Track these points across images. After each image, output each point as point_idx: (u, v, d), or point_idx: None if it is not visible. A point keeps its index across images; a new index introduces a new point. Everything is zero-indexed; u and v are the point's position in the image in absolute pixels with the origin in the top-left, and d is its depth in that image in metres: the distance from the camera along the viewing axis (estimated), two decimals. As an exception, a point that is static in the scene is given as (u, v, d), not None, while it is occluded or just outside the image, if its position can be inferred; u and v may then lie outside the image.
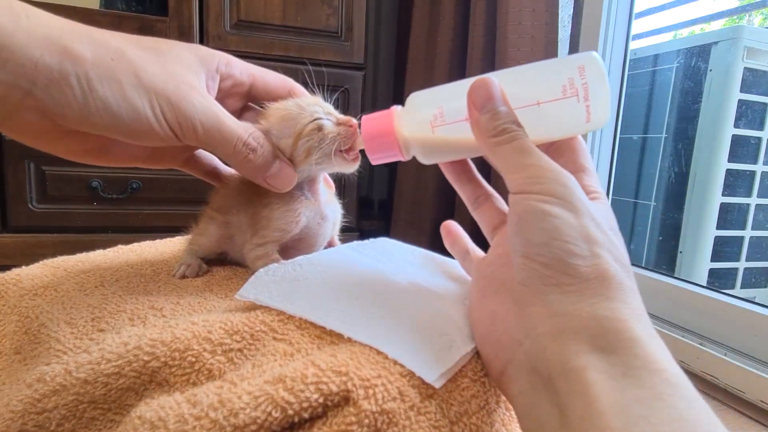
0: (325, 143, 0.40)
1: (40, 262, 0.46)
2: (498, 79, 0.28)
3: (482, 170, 0.37)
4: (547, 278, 0.24)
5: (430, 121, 0.31)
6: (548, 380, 0.23)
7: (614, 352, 0.22)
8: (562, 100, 0.28)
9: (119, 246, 0.55)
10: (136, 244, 0.57)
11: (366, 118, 0.34)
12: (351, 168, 0.42)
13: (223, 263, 0.52)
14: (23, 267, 0.44)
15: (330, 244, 0.51)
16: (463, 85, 0.29)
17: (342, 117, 0.42)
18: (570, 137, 0.31)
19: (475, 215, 0.35)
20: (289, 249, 0.46)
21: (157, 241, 0.59)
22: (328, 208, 0.46)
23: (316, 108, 0.42)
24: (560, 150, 0.31)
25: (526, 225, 0.25)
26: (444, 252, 0.42)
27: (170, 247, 0.57)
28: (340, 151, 0.40)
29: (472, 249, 0.36)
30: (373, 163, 0.34)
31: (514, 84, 0.29)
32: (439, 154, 0.33)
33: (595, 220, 0.25)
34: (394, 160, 0.33)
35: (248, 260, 0.45)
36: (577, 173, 0.29)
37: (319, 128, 0.40)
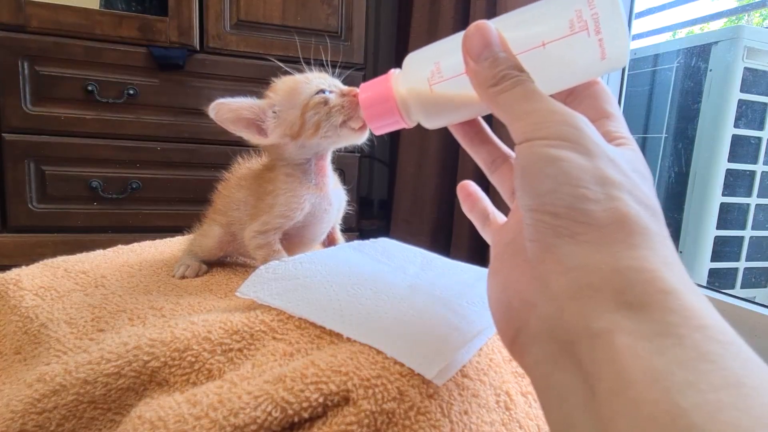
0: (332, 116, 0.40)
1: (40, 262, 0.46)
2: (495, 24, 0.26)
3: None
4: (557, 229, 0.21)
5: (427, 78, 0.28)
6: (568, 347, 0.20)
7: (644, 307, 0.18)
8: (570, 36, 0.25)
9: (119, 246, 0.55)
10: (136, 244, 0.57)
11: (363, 85, 0.31)
12: (359, 139, 0.42)
13: (222, 263, 0.52)
14: (23, 267, 0.44)
15: (331, 236, 0.51)
16: (460, 37, 0.26)
17: (346, 88, 0.42)
18: (588, 81, 0.27)
19: (493, 179, 0.32)
20: (292, 236, 0.45)
21: (157, 241, 0.59)
22: (334, 194, 0.46)
23: (321, 81, 0.42)
24: (579, 97, 0.28)
25: (531, 173, 0.22)
26: (444, 252, 0.42)
27: (170, 247, 0.57)
28: (345, 122, 0.41)
29: (492, 213, 0.33)
30: (376, 133, 0.32)
31: (514, 27, 0.26)
32: (442, 116, 0.29)
33: (614, 161, 0.22)
34: (397, 127, 0.31)
35: (249, 248, 0.45)
36: (600, 120, 0.26)
37: (325, 102, 0.41)
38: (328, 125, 0.40)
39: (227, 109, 0.42)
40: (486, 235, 0.32)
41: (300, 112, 0.41)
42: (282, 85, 0.44)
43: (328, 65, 0.45)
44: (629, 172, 0.22)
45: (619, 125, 0.26)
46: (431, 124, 0.30)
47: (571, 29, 0.25)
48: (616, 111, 0.27)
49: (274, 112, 0.43)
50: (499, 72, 0.24)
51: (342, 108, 0.40)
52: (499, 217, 0.32)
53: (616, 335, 0.18)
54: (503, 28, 0.26)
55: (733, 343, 0.17)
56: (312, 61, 0.46)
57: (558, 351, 0.20)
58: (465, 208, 0.34)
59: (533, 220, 0.22)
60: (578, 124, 0.22)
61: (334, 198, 0.46)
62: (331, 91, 0.42)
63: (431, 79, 0.28)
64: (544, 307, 0.22)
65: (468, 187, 0.34)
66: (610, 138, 0.25)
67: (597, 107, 0.27)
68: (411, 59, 0.30)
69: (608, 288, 0.19)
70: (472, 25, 0.25)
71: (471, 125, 0.32)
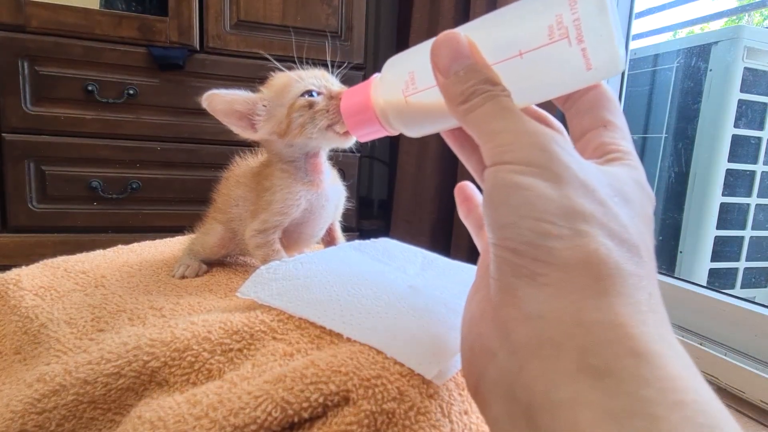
0: (316, 119, 0.40)
1: (40, 262, 0.46)
2: (468, 31, 0.23)
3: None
4: (517, 268, 0.19)
5: (402, 90, 0.26)
6: (527, 411, 0.17)
7: (612, 375, 0.16)
8: (549, 45, 0.22)
9: (119, 246, 0.55)
10: (136, 244, 0.57)
11: (346, 92, 0.30)
12: (345, 143, 0.42)
13: (223, 263, 0.52)
14: (23, 267, 0.44)
15: (331, 236, 0.50)
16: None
17: (336, 89, 0.42)
18: (586, 87, 0.24)
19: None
20: (290, 233, 0.45)
21: (157, 241, 0.59)
22: (331, 190, 0.46)
23: (313, 80, 0.42)
24: (577, 103, 0.25)
25: (494, 203, 0.20)
26: (444, 252, 0.42)
27: (170, 247, 0.57)
28: (330, 126, 0.40)
29: None
30: (360, 140, 0.31)
31: (489, 33, 0.24)
32: (422, 126, 0.28)
33: (588, 187, 0.19)
34: (380, 135, 0.30)
35: (249, 247, 0.45)
36: (597, 129, 0.23)
37: (310, 105, 0.40)
38: (312, 128, 0.40)
39: (220, 100, 0.42)
40: (479, 245, 0.30)
41: (287, 111, 0.41)
42: (275, 81, 0.44)
43: (333, 66, 0.45)
44: (608, 200, 0.19)
45: (618, 136, 0.23)
46: (412, 133, 0.28)
47: (550, 37, 0.22)
48: (617, 119, 0.24)
49: (264, 106, 0.43)
50: (469, 87, 0.22)
51: (326, 112, 0.40)
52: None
53: (580, 410, 0.16)
54: (477, 34, 0.23)
55: (716, 427, 0.15)
56: (312, 62, 0.45)
57: (517, 412, 0.18)
58: (461, 213, 0.32)
59: (494, 255, 0.20)
60: (548, 146, 0.20)
61: (332, 194, 0.46)
62: (319, 93, 0.41)
63: (406, 91, 0.26)
64: (503, 359, 0.19)
65: (466, 190, 0.31)
66: (603, 151, 0.22)
67: (595, 114, 0.24)
68: (389, 66, 0.28)
69: (571, 346, 0.17)
70: (441, 35, 0.23)
71: (460, 131, 0.29)
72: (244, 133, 0.43)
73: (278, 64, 0.44)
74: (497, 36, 0.23)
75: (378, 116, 0.28)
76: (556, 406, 0.16)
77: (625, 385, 0.15)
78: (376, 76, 0.29)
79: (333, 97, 0.41)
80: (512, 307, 0.19)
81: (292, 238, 0.46)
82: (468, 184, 0.32)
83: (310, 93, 0.41)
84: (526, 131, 0.20)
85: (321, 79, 0.42)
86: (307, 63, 0.45)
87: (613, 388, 0.16)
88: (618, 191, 0.20)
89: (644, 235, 0.20)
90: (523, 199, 0.19)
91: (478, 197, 0.31)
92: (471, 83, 0.22)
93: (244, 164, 0.50)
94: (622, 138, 0.23)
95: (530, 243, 0.18)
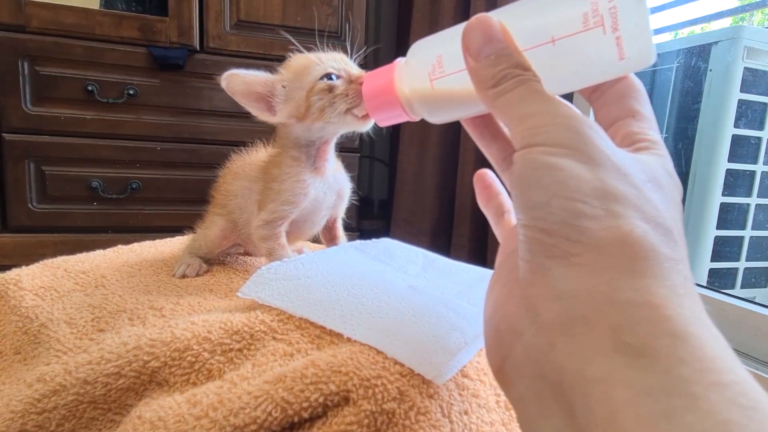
0: (335, 103, 0.40)
1: (40, 262, 0.46)
2: (500, 16, 0.23)
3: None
4: (550, 248, 0.18)
5: (428, 73, 0.26)
6: (558, 390, 0.17)
7: (648, 354, 0.15)
8: (583, 33, 0.22)
9: (119, 246, 0.55)
10: (136, 244, 0.57)
11: (369, 74, 0.30)
12: (364, 126, 0.42)
13: (223, 263, 0.52)
14: (23, 267, 0.44)
15: (333, 235, 0.50)
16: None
17: (355, 73, 0.41)
18: (615, 78, 0.24)
19: (504, 178, 0.30)
20: (293, 220, 0.45)
21: (157, 241, 0.59)
22: (333, 178, 0.46)
23: (333, 63, 0.41)
24: (606, 93, 0.25)
25: (524, 183, 0.20)
26: (444, 252, 0.42)
27: (170, 247, 0.57)
28: (349, 110, 0.40)
29: (508, 212, 0.30)
30: (380, 124, 0.31)
31: (521, 18, 0.23)
32: (446, 112, 0.27)
33: (622, 171, 0.19)
34: (401, 120, 0.30)
35: (255, 239, 0.45)
36: (625, 119, 0.24)
37: (330, 88, 0.40)
38: (332, 111, 0.40)
39: (240, 81, 0.42)
40: (498, 234, 0.30)
41: (306, 94, 0.41)
42: (294, 62, 0.43)
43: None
44: (641, 184, 0.19)
45: (645, 126, 0.23)
46: (435, 119, 0.28)
47: (584, 25, 0.22)
48: (645, 109, 0.24)
49: (284, 87, 0.42)
50: (500, 71, 0.22)
51: (346, 96, 0.40)
52: (515, 217, 0.29)
53: (615, 387, 0.15)
54: (509, 19, 0.23)
55: (758, 409, 0.14)
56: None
57: (545, 391, 0.18)
58: (480, 201, 0.31)
59: (525, 236, 0.20)
60: (582, 128, 0.20)
61: (334, 182, 0.46)
62: (338, 77, 0.41)
63: (432, 74, 0.26)
64: (531, 337, 0.19)
65: (486, 178, 0.31)
66: (632, 140, 0.22)
67: (623, 104, 0.24)
68: (415, 49, 0.27)
69: (604, 324, 0.17)
70: (473, 19, 0.23)
71: (481, 118, 0.29)
72: (261, 116, 0.43)
73: (296, 42, 0.43)
74: (530, 22, 0.23)
75: (401, 100, 0.28)
76: (590, 383, 0.16)
77: (662, 363, 0.15)
78: (400, 60, 0.28)
79: (352, 81, 0.40)
80: (543, 286, 0.19)
81: (294, 227, 0.46)
82: (488, 171, 0.31)
83: (329, 76, 0.41)
84: (559, 113, 0.20)
85: (341, 62, 0.42)
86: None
87: (649, 367, 0.15)
88: (651, 177, 0.20)
89: (676, 220, 0.20)
90: (556, 179, 0.19)
91: (498, 185, 0.31)
92: (502, 67, 0.22)
93: (241, 159, 0.50)
94: (650, 128, 0.23)
95: (563, 222, 0.18)
